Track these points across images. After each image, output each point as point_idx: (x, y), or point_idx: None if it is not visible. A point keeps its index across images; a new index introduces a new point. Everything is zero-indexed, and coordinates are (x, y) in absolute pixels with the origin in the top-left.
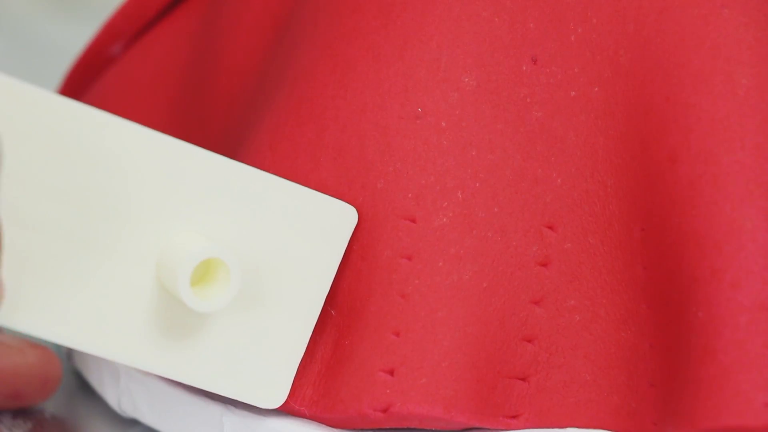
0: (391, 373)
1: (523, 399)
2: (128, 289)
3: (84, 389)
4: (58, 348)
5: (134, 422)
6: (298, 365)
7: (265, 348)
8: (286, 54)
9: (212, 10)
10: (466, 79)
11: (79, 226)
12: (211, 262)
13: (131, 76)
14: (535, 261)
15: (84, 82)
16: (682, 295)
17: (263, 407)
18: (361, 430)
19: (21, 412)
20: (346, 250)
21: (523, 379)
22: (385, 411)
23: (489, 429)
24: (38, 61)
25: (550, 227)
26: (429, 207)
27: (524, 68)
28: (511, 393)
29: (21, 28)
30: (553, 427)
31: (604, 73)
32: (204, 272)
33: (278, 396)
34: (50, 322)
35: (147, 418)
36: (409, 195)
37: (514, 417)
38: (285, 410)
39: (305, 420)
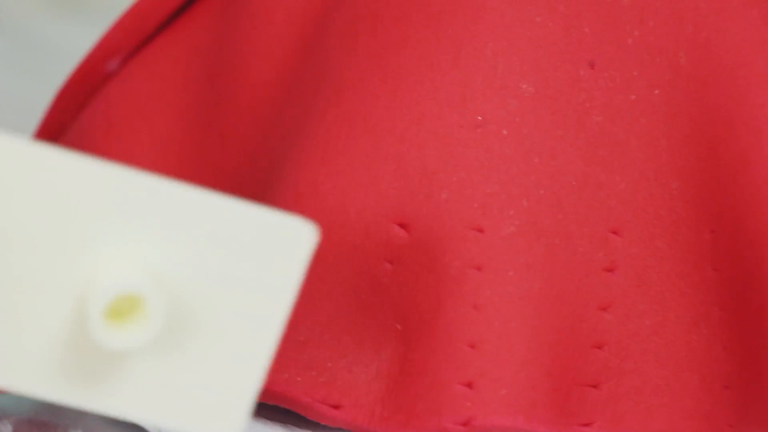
0: (470, 385)
1: (596, 407)
2: (43, 323)
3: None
4: None
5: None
6: (252, 396)
7: (206, 380)
8: (321, 66)
9: (225, 24)
10: (524, 86)
11: None
12: (133, 296)
13: (136, 90)
14: (601, 267)
15: (79, 98)
16: (758, 295)
17: None
18: None
19: None
20: (410, 264)
21: (595, 387)
22: (466, 424)
23: None
24: (38, 61)
25: (615, 232)
26: (496, 216)
27: (582, 73)
28: (584, 401)
29: (21, 28)
30: None
31: (664, 75)
32: (130, 306)
33: (228, 429)
34: None
35: None
36: (475, 205)
37: (587, 425)
38: (353, 429)
39: None
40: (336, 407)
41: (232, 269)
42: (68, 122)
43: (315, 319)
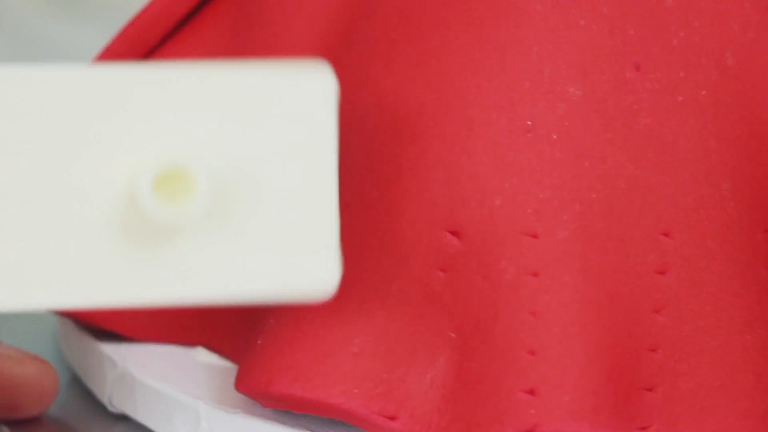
0: (532, 392)
1: (652, 409)
2: (99, 212)
3: (74, 385)
4: (58, 360)
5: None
6: (335, 234)
7: (281, 238)
8: (353, 75)
9: (237, 34)
10: (572, 90)
11: (23, 182)
12: (180, 175)
13: None
14: (653, 269)
15: None
16: None
17: (317, 295)
18: None
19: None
20: (463, 271)
21: (651, 390)
22: None
23: None
24: (38, 61)
25: (666, 234)
26: (550, 221)
27: (628, 75)
28: (641, 404)
29: (21, 28)
30: None
31: (711, 76)
32: (178, 183)
33: (327, 276)
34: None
35: None
36: (529, 210)
37: (644, 429)
38: None
39: None
40: (393, 418)
41: (269, 130)
42: None
43: (368, 330)
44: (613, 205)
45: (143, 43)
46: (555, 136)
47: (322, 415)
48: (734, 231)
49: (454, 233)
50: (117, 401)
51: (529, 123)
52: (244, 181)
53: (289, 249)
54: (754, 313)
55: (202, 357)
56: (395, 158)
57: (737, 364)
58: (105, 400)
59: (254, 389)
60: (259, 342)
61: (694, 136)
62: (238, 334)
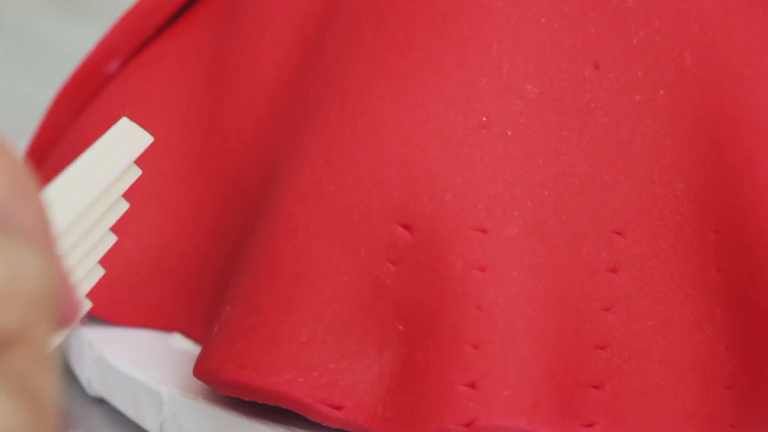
0: (473, 386)
1: (598, 407)
2: None
3: (109, 417)
4: None
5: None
6: None
7: None
8: (324, 68)
9: (226, 25)
10: (529, 87)
11: None
12: None
13: (136, 92)
14: (605, 267)
15: (79, 99)
16: (762, 295)
17: None
18: None
19: None
20: (413, 265)
21: (598, 387)
22: (468, 425)
23: None
24: (38, 61)
25: (619, 233)
26: (500, 217)
27: (587, 74)
28: (587, 401)
29: (21, 28)
30: None
31: (669, 76)
32: None
33: None
34: None
35: None
36: (480, 205)
37: (589, 426)
38: (354, 430)
39: None
40: (338, 408)
41: None
42: (68, 123)
43: (317, 320)
44: (566, 203)
45: (138, 34)
46: (510, 133)
47: (270, 402)
48: (686, 231)
49: (405, 227)
50: (95, 384)
51: (484, 119)
52: None
53: None
54: (703, 314)
55: (178, 343)
56: (352, 151)
57: (685, 365)
58: (84, 383)
59: (207, 375)
60: (215, 329)
61: (650, 136)
62: (212, 320)
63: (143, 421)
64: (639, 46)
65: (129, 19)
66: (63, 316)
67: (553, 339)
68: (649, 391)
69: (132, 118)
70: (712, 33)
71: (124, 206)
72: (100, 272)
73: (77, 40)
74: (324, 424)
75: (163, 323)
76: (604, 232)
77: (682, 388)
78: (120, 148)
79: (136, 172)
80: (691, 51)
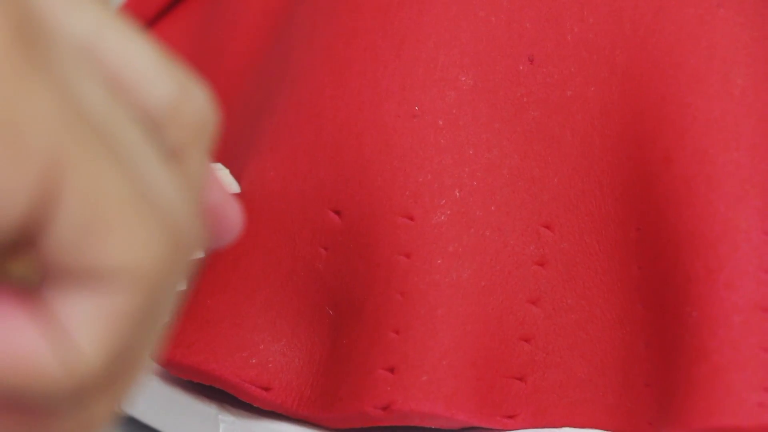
0: (392, 370)
1: (520, 399)
2: None
3: None
4: None
5: (131, 420)
6: None
7: None
8: (285, 54)
9: (211, 12)
10: (463, 78)
11: None
12: None
13: None
14: (532, 260)
15: None
16: (677, 294)
17: None
18: (360, 429)
19: None
20: (343, 250)
21: (520, 379)
22: (385, 409)
23: (487, 428)
24: None
25: (546, 227)
26: (427, 205)
27: (521, 68)
28: (508, 393)
29: None
30: (549, 427)
31: (600, 72)
32: None
33: None
34: None
35: (146, 417)
36: (407, 193)
37: (511, 417)
38: (282, 411)
39: (303, 421)
40: (266, 389)
41: None
42: None
43: (251, 302)
44: (495, 194)
45: (138, 18)
46: (441, 123)
47: (203, 381)
48: (611, 228)
49: (336, 212)
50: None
51: (416, 108)
52: None
53: None
54: (625, 310)
55: None
56: (293, 139)
57: (607, 360)
58: None
59: (152, 355)
60: None
61: (580, 131)
62: None
63: None
64: (573, 42)
65: (127, 7)
66: (219, 229)
67: (476, 328)
68: (571, 385)
69: None
70: (643, 31)
71: None
72: None
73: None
74: (254, 405)
75: None
76: (532, 225)
77: (603, 383)
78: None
79: None
80: (622, 49)
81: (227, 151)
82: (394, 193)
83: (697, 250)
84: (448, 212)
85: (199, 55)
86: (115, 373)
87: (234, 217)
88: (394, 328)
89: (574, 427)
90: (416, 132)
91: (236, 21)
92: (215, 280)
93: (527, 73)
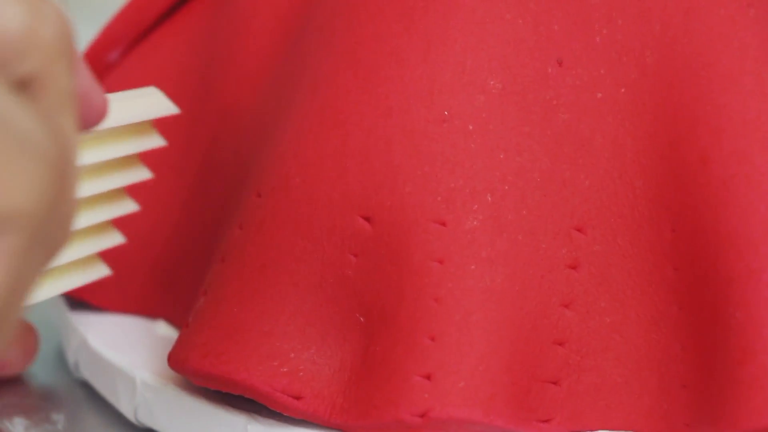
0: (428, 377)
1: (555, 403)
2: None
3: (92, 400)
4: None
5: None
6: None
7: None
8: (302, 60)
9: (216, 17)
10: (492, 82)
11: None
12: None
13: (132, 81)
14: (564, 264)
15: None
16: (718, 296)
17: None
18: None
19: (34, 425)
20: (373, 256)
21: (555, 383)
22: (423, 416)
23: None
24: None
25: (578, 230)
26: (459, 210)
27: (550, 70)
28: (543, 397)
29: None
30: (584, 430)
31: (630, 74)
32: None
33: None
34: None
35: (166, 429)
36: (439, 198)
37: (546, 421)
38: (314, 420)
39: (335, 430)
40: (297, 398)
41: None
42: None
43: (280, 310)
44: (527, 198)
45: (137, 24)
46: (471, 127)
47: (232, 391)
48: (644, 229)
49: (366, 218)
50: (80, 367)
51: (446, 113)
52: None
53: None
54: (660, 312)
55: (162, 330)
56: (318, 144)
57: (642, 362)
58: (71, 366)
59: (176, 364)
60: (190, 319)
61: (611, 133)
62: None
63: (120, 404)
64: (602, 44)
65: (130, 9)
66: (87, 114)
67: (510, 333)
68: (606, 388)
69: None
70: (673, 32)
71: (142, 173)
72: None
73: (77, 40)
74: (284, 414)
75: (148, 310)
76: (564, 228)
77: (639, 385)
78: (141, 101)
79: (158, 141)
80: (652, 50)
81: (247, 157)
82: (425, 199)
83: (738, 250)
84: (481, 217)
85: (205, 59)
86: (7, 305)
87: (100, 103)
88: (430, 335)
89: (610, 429)
90: (446, 137)
91: (246, 25)
92: (242, 289)
93: (556, 75)
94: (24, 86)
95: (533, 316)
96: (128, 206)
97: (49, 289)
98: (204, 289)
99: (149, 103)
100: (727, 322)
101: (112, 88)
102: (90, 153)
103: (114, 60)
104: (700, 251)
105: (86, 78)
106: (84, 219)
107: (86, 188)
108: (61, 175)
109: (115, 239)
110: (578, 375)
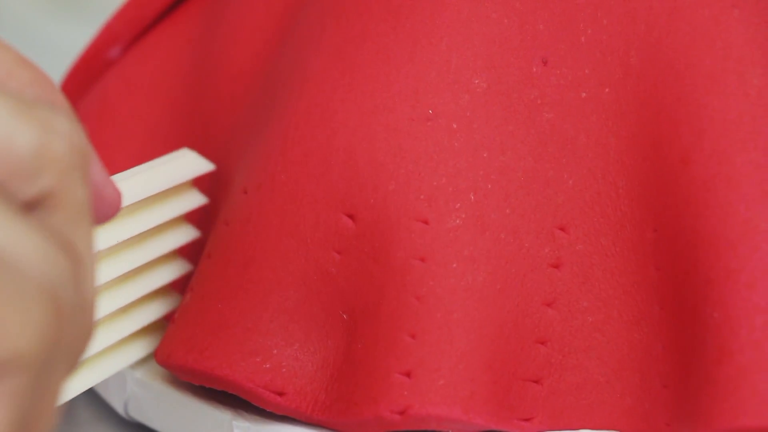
0: (408, 375)
1: (537, 401)
2: None
3: (83, 394)
4: None
5: (140, 426)
6: None
7: None
8: (292, 57)
9: (213, 15)
10: (477, 81)
11: None
12: None
13: (131, 78)
14: (547, 263)
15: (83, 84)
16: (697, 295)
17: None
18: None
19: None
20: (356, 254)
21: (537, 382)
22: (402, 413)
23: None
24: (38, 61)
25: (562, 229)
26: (442, 208)
27: (534, 70)
28: (525, 395)
29: (21, 28)
30: (565, 430)
31: (615, 74)
32: None
33: None
34: None
35: (155, 423)
36: (422, 196)
37: (527, 420)
38: (297, 416)
39: (317, 426)
40: (280, 394)
41: None
42: (72, 105)
43: (264, 306)
44: (510, 197)
45: (138, 21)
46: (455, 126)
47: (215, 387)
48: (627, 229)
49: (350, 216)
50: (133, 410)
51: (430, 111)
52: None
53: None
54: (642, 311)
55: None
56: (304, 142)
57: (624, 362)
58: (120, 409)
59: (162, 359)
60: (175, 315)
61: (594, 133)
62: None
63: (111, 399)
64: (587, 44)
65: (130, 6)
66: (101, 210)
67: (492, 331)
68: (588, 387)
69: (124, 106)
70: (657, 32)
71: (189, 232)
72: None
73: (77, 40)
74: (267, 410)
75: None
76: (546, 227)
77: (620, 385)
78: (175, 166)
79: (199, 199)
80: (637, 50)
81: (237, 155)
82: (408, 197)
83: (717, 251)
84: (463, 216)
85: (201, 59)
86: None
87: (113, 196)
88: (410, 332)
89: (591, 429)
90: (430, 135)
91: (240, 24)
92: (226, 285)
93: (541, 75)
94: (37, 204)
95: (515, 314)
96: (182, 267)
97: (96, 373)
98: (190, 285)
99: (185, 163)
100: (705, 322)
101: (109, 85)
102: (132, 223)
103: (114, 56)
104: (681, 251)
105: (99, 174)
106: (137, 289)
107: (137, 258)
108: (61, 309)
109: (175, 301)
110: (560, 374)
